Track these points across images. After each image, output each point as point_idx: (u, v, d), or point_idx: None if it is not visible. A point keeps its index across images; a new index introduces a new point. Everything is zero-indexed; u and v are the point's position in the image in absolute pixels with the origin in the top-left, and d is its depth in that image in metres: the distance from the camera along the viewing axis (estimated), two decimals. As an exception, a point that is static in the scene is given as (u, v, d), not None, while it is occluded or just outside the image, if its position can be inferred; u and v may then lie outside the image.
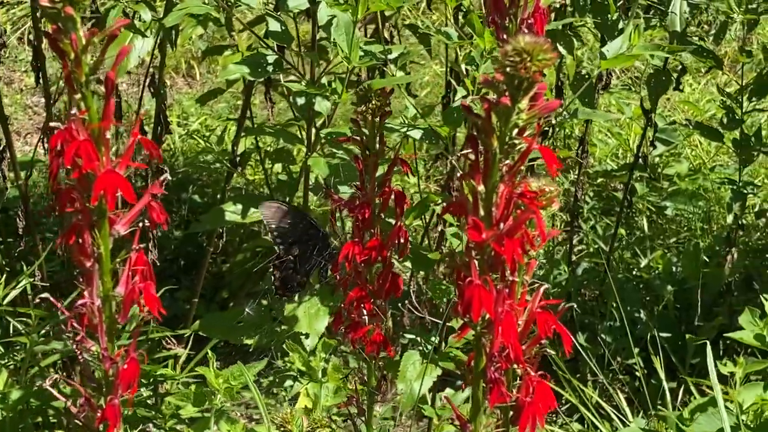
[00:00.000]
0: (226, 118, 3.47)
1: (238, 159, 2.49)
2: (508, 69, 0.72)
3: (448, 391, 2.09)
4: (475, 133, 0.76)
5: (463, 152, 0.73)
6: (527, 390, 0.81)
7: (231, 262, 3.10)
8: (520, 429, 0.81)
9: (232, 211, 1.86)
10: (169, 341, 2.10)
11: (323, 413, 1.68)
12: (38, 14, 2.14)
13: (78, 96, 0.80)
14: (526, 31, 1.07)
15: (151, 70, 2.46)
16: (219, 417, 1.77)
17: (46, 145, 2.38)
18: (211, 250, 2.53)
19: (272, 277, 1.66)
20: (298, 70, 1.86)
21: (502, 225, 0.76)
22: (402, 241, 1.10)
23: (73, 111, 0.79)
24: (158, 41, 2.29)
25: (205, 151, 3.41)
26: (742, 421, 1.90)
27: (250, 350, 2.01)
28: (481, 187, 0.77)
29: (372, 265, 1.10)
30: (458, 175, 0.74)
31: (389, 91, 1.05)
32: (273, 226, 1.70)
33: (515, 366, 0.79)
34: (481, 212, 0.77)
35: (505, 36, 1.09)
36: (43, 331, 1.93)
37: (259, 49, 1.90)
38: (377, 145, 1.07)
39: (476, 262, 0.77)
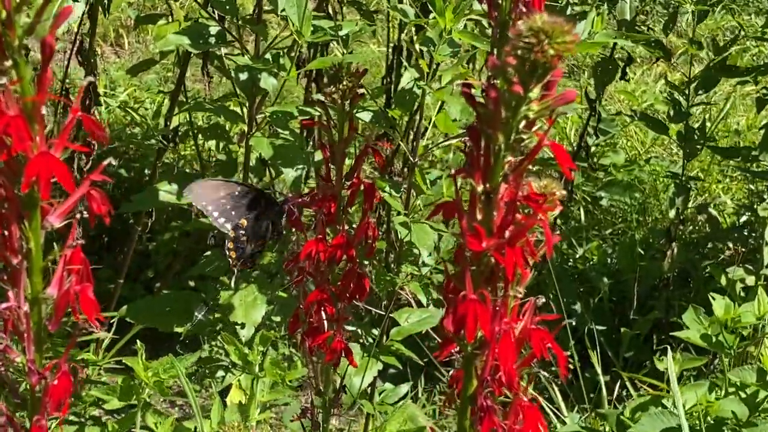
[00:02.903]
0: (157, 90, 3.32)
1: (171, 134, 2.37)
2: (520, 52, 0.62)
3: (387, 385, 2.01)
4: (476, 125, 0.66)
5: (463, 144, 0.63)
6: (516, 416, 0.72)
7: (158, 241, 2.98)
8: (509, 461, 0.72)
9: (166, 191, 1.74)
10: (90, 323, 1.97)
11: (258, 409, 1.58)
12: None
13: (9, 63, 0.68)
14: (523, 9, 0.97)
15: (79, 37, 2.33)
16: (146, 410, 1.66)
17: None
18: (138, 229, 2.41)
19: (229, 258, 1.51)
20: (242, 44, 1.74)
21: (503, 232, 0.67)
22: (370, 239, 1.00)
23: (3, 81, 0.67)
24: (89, 7, 2.16)
25: (134, 123, 3.27)
26: (688, 422, 1.86)
27: (182, 337, 1.90)
28: (480, 187, 0.67)
29: (336, 265, 0.99)
30: (452, 171, 0.65)
31: (362, 72, 0.95)
32: (214, 211, 1.57)
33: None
34: (479, 216, 0.67)
35: (497, 14, 0.99)
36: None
37: (200, 19, 1.78)
38: (346, 131, 0.97)
39: (471, 273, 0.68)
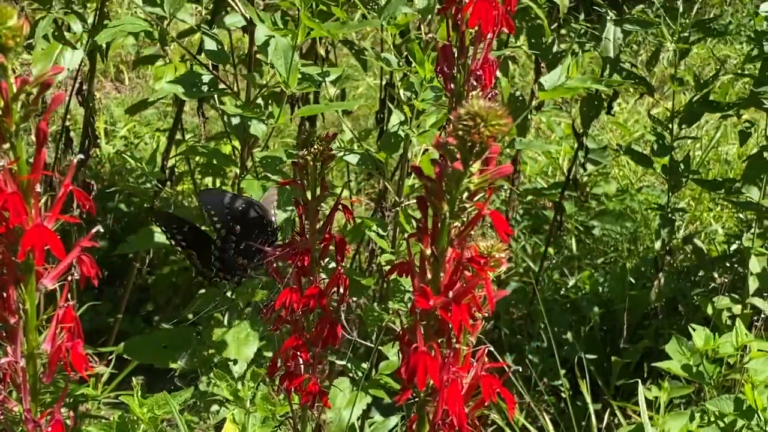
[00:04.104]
0: (156, 129, 3.40)
1: (168, 171, 2.44)
2: (460, 132, 0.70)
3: (377, 417, 2.06)
4: (424, 195, 0.74)
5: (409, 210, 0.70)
6: (469, 457, 0.79)
7: (156, 275, 3.04)
8: (462, 498, 0.79)
9: (161, 232, 1.81)
10: (90, 358, 2.03)
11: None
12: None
13: (7, 146, 0.75)
14: (474, 83, 1.05)
15: (79, 77, 2.40)
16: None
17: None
18: (137, 265, 2.48)
19: (212, 258, 1.58)
20: (233, 90, 1.82)
21: (450, 291, 0.74)
22: (342, 289, 1.07)
23: (1, 162, 0.75)
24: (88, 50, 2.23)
25: (132, 159, 3.34)
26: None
27: (176, 373, 1.96)
28: (428, 250, 0.75)
29: (310, 313, 1.07)
30: (406, 236, 0.72)
31: (332, 136, 1.03)
32: (212, 210, 1.62)
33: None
34: (429, 275, 0.75)
35: (452, 86, 1.07)
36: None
37: (193, 65, 1.86)
38: (318, 190, 1.04)
39: (422, 327, 0.75)
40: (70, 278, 0.82)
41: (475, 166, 0.72)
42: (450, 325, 0.74)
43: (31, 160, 0.77)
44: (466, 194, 0.73)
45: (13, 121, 0.74)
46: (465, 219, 0.75)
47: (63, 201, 0.78)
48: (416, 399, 0.81)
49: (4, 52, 0.72)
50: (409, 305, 0.77)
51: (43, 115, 0.76)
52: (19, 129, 0.75)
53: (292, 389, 1.07)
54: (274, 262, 1.07)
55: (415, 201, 1.90)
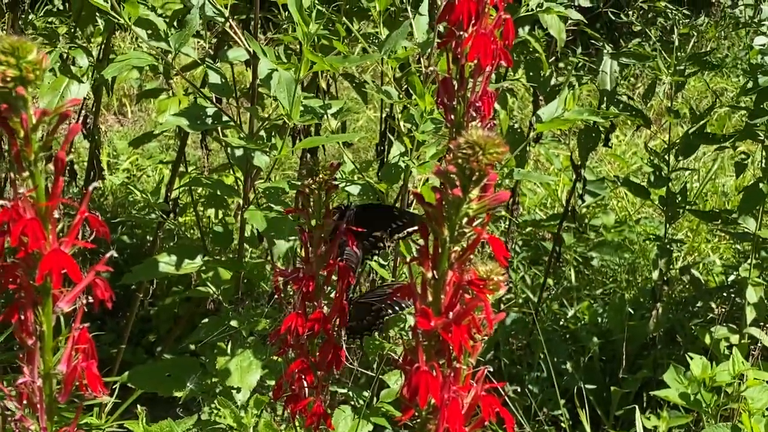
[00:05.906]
0: (159, 161, 3.43)
1: (171, 203, 2.47)
2: (460, 161, 0.74)
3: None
4: (425, 220, 0.77)
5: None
6: (469, 473, 0.81)
7: (159, 306, 3.06)
8: None
9: (165, 262, 1.84)
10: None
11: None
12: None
13: (26, 174, 0.79)
14: (473, 114, 1.09)
15: (83, 110, 2.45)
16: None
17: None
18: (140, 296, 2.50)
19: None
20: (236, 122, 1.85)
21: (450, 313, 0.77)
22: (345, 315, 1.10)
23: (21, 190, 0.78)
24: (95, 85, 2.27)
25: (137, 190, 3.38)
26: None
27: (180, 401, 1.97)
28: (429, 274, 0.78)
29: (314, 338, 1.10)
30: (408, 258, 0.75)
31: (336, 165, 1.06)
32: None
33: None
34: (429, 298, 0.78)
35: (452, 117, 1.11)
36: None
37: (197, 99, 1.89)
38: (322, 219, 1.08)
39: (423, 348, 0.78)
40: (84, 301, 0.85)
41: (474, 193, 0.76)
42: (450, 346, 0.77)
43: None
44: (465, 219, 0.77)
45: (32, 151, 0.78)
46: (464, 243, 0.78)
47: (79, 227, 0.81)
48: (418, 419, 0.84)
49: (24, 84, 0.76)
50: (411, 327, 0.80)
51: (61, 145, 0.80)
52: (38, 158, 0.78)
53: (297, 412, 1.10)
54: (280, 287, 1.10)
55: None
